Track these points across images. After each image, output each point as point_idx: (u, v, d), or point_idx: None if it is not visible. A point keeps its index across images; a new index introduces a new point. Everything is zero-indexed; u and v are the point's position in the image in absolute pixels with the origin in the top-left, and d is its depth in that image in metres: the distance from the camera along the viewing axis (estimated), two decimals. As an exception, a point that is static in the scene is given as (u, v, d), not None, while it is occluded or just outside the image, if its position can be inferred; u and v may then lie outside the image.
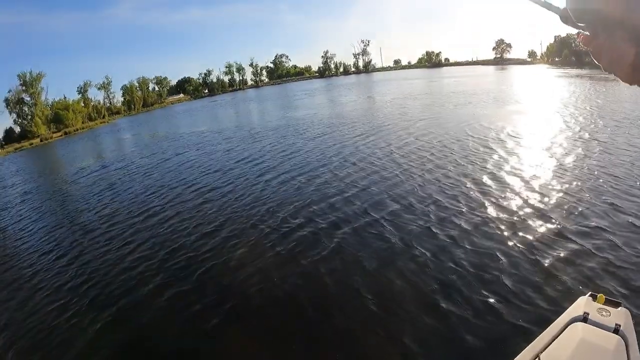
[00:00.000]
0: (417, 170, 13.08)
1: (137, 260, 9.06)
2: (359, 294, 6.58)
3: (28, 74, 67.04)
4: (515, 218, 9.04)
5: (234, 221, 10.50)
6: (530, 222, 8.81)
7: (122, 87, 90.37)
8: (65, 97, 72.08)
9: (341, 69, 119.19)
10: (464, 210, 9.56)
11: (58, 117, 65.27)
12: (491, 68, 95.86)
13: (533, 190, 10.63)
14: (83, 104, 75.46)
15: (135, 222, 11.77)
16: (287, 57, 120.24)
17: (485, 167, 12.82)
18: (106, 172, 20.65)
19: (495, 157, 13.95)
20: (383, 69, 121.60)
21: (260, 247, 8.81)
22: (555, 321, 3.53)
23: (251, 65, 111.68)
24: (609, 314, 3.42)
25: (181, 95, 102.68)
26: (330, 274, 7.36)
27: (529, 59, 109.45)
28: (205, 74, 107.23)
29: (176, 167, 18.62)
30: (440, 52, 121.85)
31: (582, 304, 3.62)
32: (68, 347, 6.30)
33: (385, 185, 11.92)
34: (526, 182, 11.23)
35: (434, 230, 8.59)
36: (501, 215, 9.23)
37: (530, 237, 8.08)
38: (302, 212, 10.47)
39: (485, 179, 11.70)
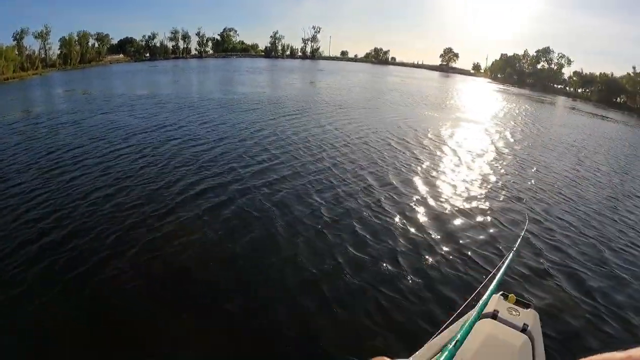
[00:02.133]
0: (326, 160, 13.75)
1: (32, 218, 8.91)
2: (208, 270, 6.99)
3: (-40, 11, 61.27)
4: (421, 215, 9.63)
5: (135, 184, 10.88)
6: (440, 218, 9.49)
7: (60, 39, 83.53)
8: (-3, 43, 67.43)
9: (288, 52, 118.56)
10: (364, 203, 10.04)
11: (-12, 64, 61.12)
12: (436, 74, 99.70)
13: (440, 190, 11.52)
14: (17, 52, 71.00)
15: (41, 178, 11.49)
16: (235, 31, 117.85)
17: (393, 164, 13.75)
18: (27, 125, 19.70)
19: (408, 156, 15.04)
20: (329, 57, 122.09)
21: (148, 209, 9.24)
22: (465, 316, 3.49)
23: (198, 34, 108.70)
24: (518, 313, 3.60)
25: (121, 55, 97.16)
26: (200, 249, 7.69)
27: (472, 71, 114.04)
28: (149, 37, 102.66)
29: (100, 127, 18.42)
30: (388, 51, 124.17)
31: (493, 302, 3.73)
32: None
33: (287, 167, 12.62)
34: (433, 183, 12.05)
35: (330, 223, 8.82)
36: (406, 212, 9.73)
37: (440, 234, 8.64)
38: (201, 183, 11.00)
39: (390, 176, 12.41)
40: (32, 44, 78.36)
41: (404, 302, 6.31)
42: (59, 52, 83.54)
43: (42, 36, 79.75)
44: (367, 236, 8.34)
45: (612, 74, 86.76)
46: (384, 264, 7.33)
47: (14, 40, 73.72)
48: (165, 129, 17.93)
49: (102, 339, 5.46)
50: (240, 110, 23.44)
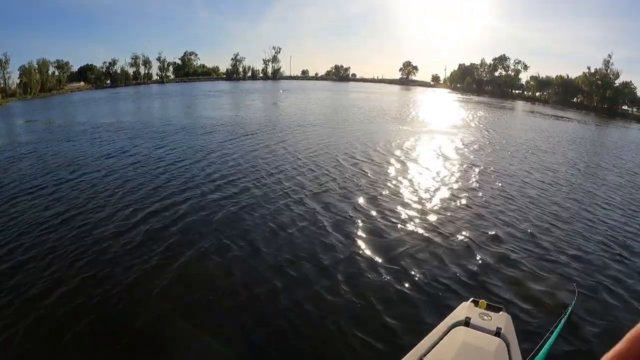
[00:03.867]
0: (285, 182, 13.60)
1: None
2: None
3: None
4: (387, 229, 9.65)
5: (94, 212, 11.07)
6: (406, 231, 9.55)
7: (20, 67, 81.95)
8: (-49, 74, 65.25)
9: (249, 73, 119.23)
10: (325, 224, 9.94)
11: (-56, 95, 59.43)
12: (396, 87, 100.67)
13: (401, 205, 11.51)
14: None
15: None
16: (195, 55, 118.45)
17: (354, 181, 13.80)
18: None
19: (372, 172, 15.08)
20: (291, 77, 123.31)
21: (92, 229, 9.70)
22: (438, 325, 3.66)
23: (159, 59, 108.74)
24: (490, 318, 3.61)
25: (82, 83, 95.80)
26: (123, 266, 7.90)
27: (432, 83, 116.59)
28: (110, 63, 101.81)
29: (62, 157, 18.45)
30: (349, 67, 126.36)
31: (464, 309, 3.79)
32: None
33: (245, 189, 12.82)
34: (395, 199, 12.01)
35: (288, 252, 8.56)
36: (369, 227, 9.79)
37: (406, 247, 8.65)
38: (162, 210, 11.12)
39: (352, 192, 12.50)
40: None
41: (374, 316, 6.28)
42: (18, 81, 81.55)
43: (2, 65, 78.05)
44: (330, 257, 8.27)
45: (567, 76, 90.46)
46: (352, 279, 7.36)
47: (-30, 70, 71.03)
48: (127, 156, 18.24)
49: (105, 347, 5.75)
50: (200, 134, 24.11)
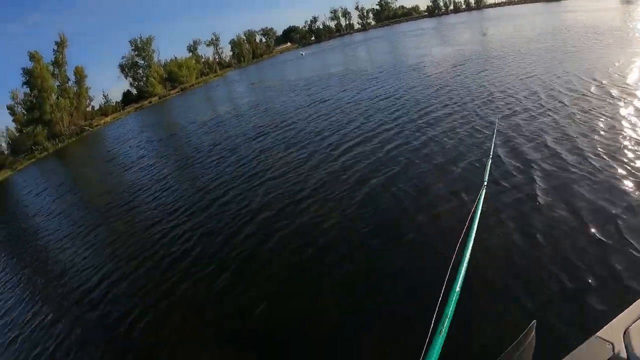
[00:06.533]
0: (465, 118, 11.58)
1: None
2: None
3: (139, 39, 71.27)
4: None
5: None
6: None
7: (230, 41, 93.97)
8: (175, 58, 76.69)
9: (451, 7, 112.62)
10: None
11: (172, 76, 70.45)
12: (616, 1, 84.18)
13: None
14: (195, 61, 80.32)
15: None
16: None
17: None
18: (212, 126, 22.26)
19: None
20: (495, 4, 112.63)
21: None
22: None
23: (356, 8, 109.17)
24: None
25: (288, 44, 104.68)
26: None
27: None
28: (311, 21, 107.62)
29: (275, 108, 21.10)
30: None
31: None
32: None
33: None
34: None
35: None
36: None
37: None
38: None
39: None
40: (205, 52, 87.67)
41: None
42: (231, 53, 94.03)
43: (213, 43, 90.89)
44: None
45: None
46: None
47: (189, 51, 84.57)
48: (331, 103, 19.33)
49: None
50: (406, 71, 23.79)
